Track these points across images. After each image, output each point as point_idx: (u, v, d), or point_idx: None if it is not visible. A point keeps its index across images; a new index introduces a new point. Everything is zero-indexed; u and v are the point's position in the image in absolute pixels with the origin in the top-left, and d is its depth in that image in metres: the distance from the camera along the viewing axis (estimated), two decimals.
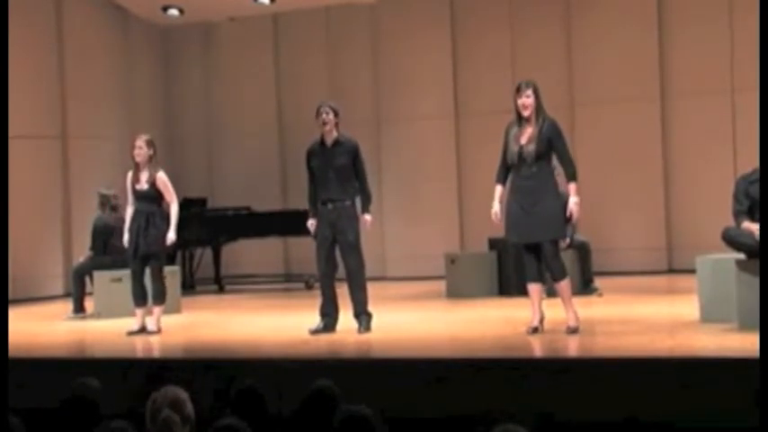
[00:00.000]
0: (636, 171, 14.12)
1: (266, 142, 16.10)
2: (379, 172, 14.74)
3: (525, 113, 8.28)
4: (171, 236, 9.73)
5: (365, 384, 6.66)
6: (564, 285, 8.30)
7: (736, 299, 7.84)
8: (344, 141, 9.03)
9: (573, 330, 8.21)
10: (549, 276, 8.39)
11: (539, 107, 8.29)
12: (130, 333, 9.70)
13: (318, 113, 9.00)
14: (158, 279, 9.85)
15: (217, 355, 8.42)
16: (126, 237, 9.85)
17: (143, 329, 9.78)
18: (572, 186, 8.28)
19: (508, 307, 10.42)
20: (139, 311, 9.87)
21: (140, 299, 9.90)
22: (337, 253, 9.06)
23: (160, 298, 9.85)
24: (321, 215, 9.02)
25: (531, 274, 8.38)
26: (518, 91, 8.33)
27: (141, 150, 9.81)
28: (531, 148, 8.22)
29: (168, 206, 9.85)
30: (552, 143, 8.25)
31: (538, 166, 8.24)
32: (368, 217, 9.05)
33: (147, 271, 9.85)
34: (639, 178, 14.13)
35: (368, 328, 8.88)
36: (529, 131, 8.28)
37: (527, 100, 8.27)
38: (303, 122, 14.05)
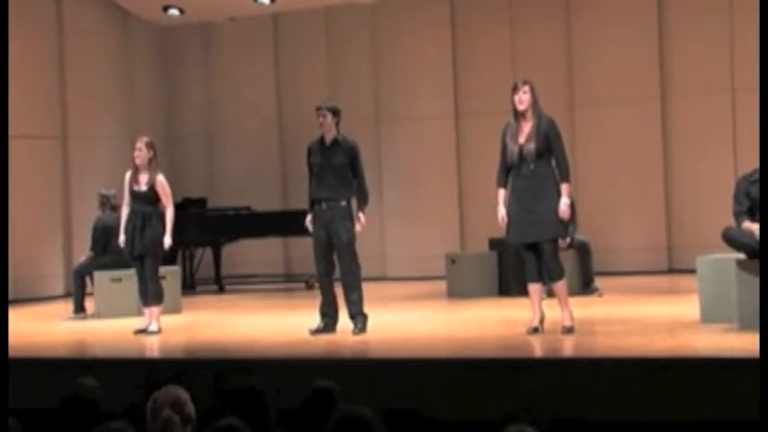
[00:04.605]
0: (636, 171, 14.12)
1: (266, 142, 16.10)
2: (379, 172, 14.74)
3: (521, 107, 8.32)
4: (167, 240, 9.73)
5: (365, 384, 6.66)
6: (561, 286, 8.32)
7: (736, 299, 7.85)
8: (342, 141, 9.04)
9: (568, 330, 8.22)
10: (547, 276, 8.39)
11: (535, 104, 8.34)
12: (138, 332, 9.71)
13: (317, 115, 9.04)
14: (153, 279, 9.86)
15: (217, 355, 8.42)
16: (122, 237, 9.86)
17: None
18: (564, 187, 8.29)
19: (508, 307, 10.41)
20: (147, 310, 9.89)
21: (146, 298, 9.93)
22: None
23: (157, 298, 9.85)
24: (316, 215, 9.01)
25: (531, 274, 8.39)
26: (514, 89, 8.40)
27: (141, 153, 9.82)
28: (532, 146, 8.25)
29: (164, 208, 9.85)
30: (550, 140, 8.27)
31: (538, 165, 8.27)
32: (361, 216, 9.01)
33: None
34: (639, 178, 14.12)
35: (363, 330, 8.86)
36: (526, 129, 8.31)
37: (524, 95, 8.33)
38: (303, 122, 14.07)
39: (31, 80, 14.50)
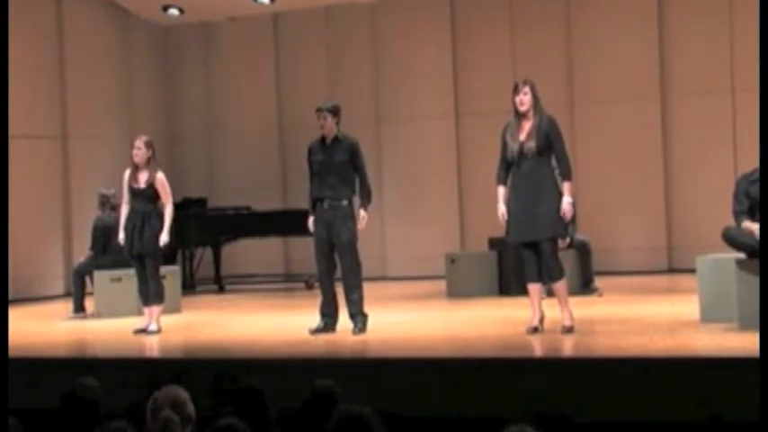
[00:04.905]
0: (636, 171, 14.12)
1: (266, 142, 16.10)
2: (379, 172, 14.73)
3: (522, 108, 8.32)
4: (164, 238, 9.71)
5: (365, 384, 6.66)
6: (560, 285, 8.32)
7: (736, 299, 7.85)
8: (343, 139, 9.06)
9: (568, 330, 8.22)
10: (546, 276, 8.39)
11: (536, 104, 8.34)
12: (138, 331, 9.70)
13: (317, 117, 9.04)
14: (154, 279, 9.85)
15: (217, 355, 8.42)
16: (121, 235, 9.86)
17: None
18: (566, 185, 8.30)
19: (508, 307, 10.42)
20: (147, 310, 9.88)
21: (146, 297, 9.92)
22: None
23: (158, 297, 9.85)
24: (317, 214, 9.01)
25: (530, 273, 8.38)
26: (515, 89, 8.40)
27: (140, 151, 9.82)
28: (532, 144, 8.25)
29: (164, 206, 9.84)
30: (550, 139, 8.28)
31: (538, 163, 8.27)
32: (363, 213, 9.00)
33: None
34: (639, 178, 14.13)
35: (363, 330, 8.86)
36: (527, 128, 8.31)
37: (524, 97, 8.33)
38: (303, 122, 14.08)
39: (31, 80, 14.50)
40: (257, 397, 5.30)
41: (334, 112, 9.03)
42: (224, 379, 6.89)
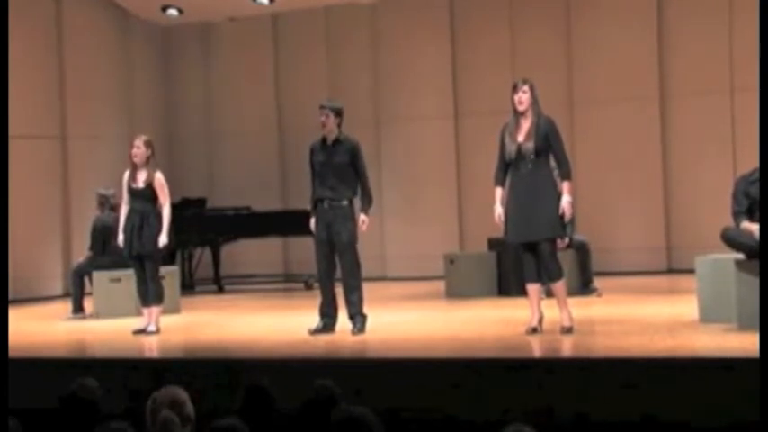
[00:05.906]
0: (635, 171, 14.12)
1: (266, 142, 16.10)
2: (378, 172, 14.73)
3: (521, 108, 8.33)
4: (163, 239, 9.69)
5: (365, 384, 6.66)
6: (559, 286, 8.32)
7: (735, 299, 7.85)
8: (344, 140, 9.04)
9: (567, 330, 8.22)
10: (545, 276, 8.39)
11: (534, 103, 8.35)
12: (137, 332, 9.70)
13: (319, 114, 9.04)
14: (154, 279, 9.84)
15: (217, 355, 8.42)
16: (121, 237, 9.85)
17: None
18: (565, 185, 8.31)
19: (507, 307, 10.42)
20: (146, 310, 9.87)
21: (145, 298, 9.91)
22: None
23: (157, 298, 9.84)
24: (318, 215, 9.01)
25: (529, 274, 8.38)
26: (514, 88, 8.41)
27: (139, 150, 9.82)
28: (530, 145, 8.26)
29: (162, 207, 9.81)
30: (549, 140, 8.28)
31: (536, 164, 8.27)
32: (364, 217, 8.99)
33: None
34: (639, 178, 14.13)
35: (362, 330, 8.85)
36: (525, 127, 8.32)
37: (523, 95, 8.34)
38: (303, 122, 14.09)
39: (31, 80, 14.50)
40: (262, 396, 5.30)
41: (337, 112, 9.02)
42: (224, 379, 6.89)
